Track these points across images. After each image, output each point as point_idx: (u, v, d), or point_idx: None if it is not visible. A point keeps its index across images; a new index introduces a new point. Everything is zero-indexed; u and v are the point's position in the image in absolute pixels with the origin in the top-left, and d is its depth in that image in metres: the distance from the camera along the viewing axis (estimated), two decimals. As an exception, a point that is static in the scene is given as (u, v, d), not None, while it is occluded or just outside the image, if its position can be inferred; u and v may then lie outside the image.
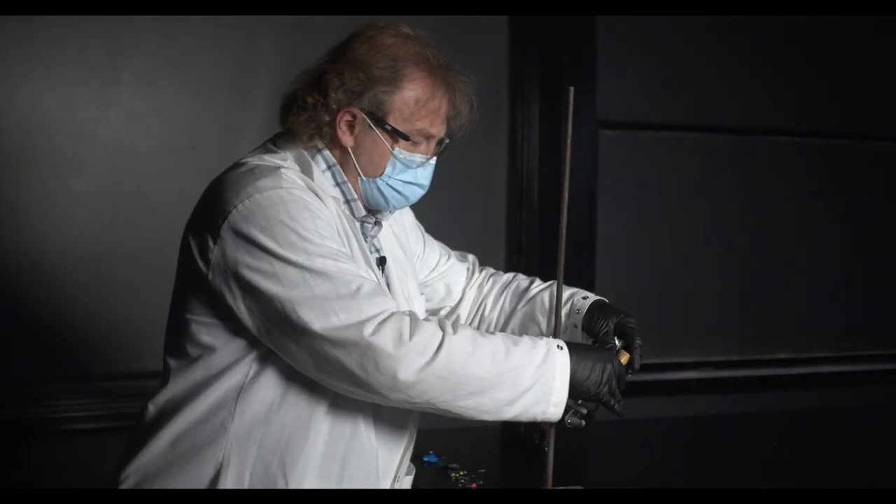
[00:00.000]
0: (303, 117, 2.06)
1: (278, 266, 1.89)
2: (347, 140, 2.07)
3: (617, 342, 2.19)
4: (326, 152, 2.09)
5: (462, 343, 1.88)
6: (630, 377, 2.15)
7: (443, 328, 1.90)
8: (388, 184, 2.10)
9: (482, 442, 2.99)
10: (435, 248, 2.50)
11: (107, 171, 3.70)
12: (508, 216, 4.36)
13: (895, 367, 5.01)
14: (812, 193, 4.83)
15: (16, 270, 3.62)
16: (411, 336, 1.86)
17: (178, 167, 3.72)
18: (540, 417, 1.97)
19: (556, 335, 2.17)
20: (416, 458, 2.69)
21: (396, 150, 2.07)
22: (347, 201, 2.11)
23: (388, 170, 2.08)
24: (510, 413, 1.94)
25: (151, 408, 2.08)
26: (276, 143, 2.13)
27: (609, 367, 2.00)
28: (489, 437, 3.01)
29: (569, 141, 2.20)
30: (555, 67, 4.26)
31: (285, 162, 2.06)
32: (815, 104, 4.77)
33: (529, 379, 1.92)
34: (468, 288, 2.51)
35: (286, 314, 1.88)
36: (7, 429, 3.53)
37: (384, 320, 1.86)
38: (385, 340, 1.84)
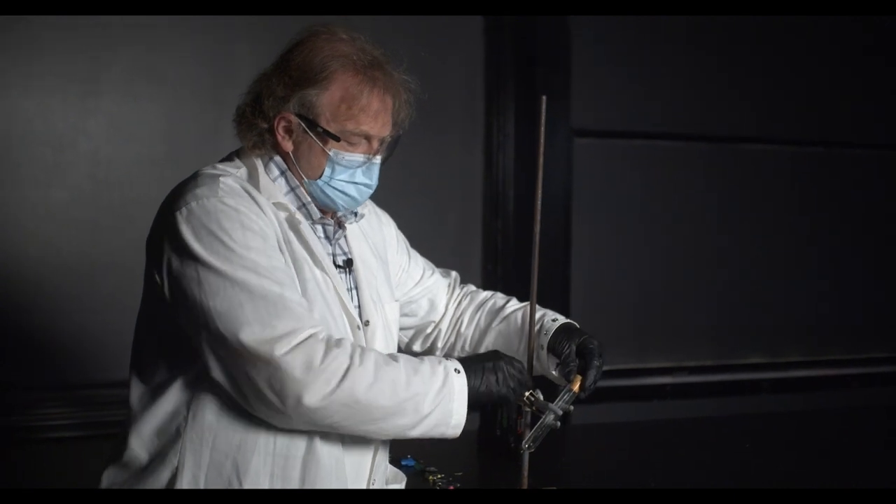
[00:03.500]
0: (244, 127, 2.11)
1: (202, 273, 1.93)
2: (287, 145, 2.10)
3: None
4: (278, 159, 2.12)
5: (366, 373, 1.92)
6: (584, 395, 2.21)
7: (351, 356, 1.93)
8: (329, 185, 2.11)
9: (459, 445, 3.00)
10: (419, 263, 2.53)
11: (86, 180, 3.72)
12: (484, 224, 4.40)
13: (867, 372, 5.06)
14: (786, 200, 4.89)
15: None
16: (321, 362, 1.89)
17: (158, 176, 3.74)
18: (439, 437, 2.05)
19: (529, 353, 2.24)
20: (394, 462, 2.72)
21: (333, 152, 2.08)
22: (303, 205, 2.12)
23: (326, 171, 2.09)
24: (411, 435, 2.01)
25: (125, 416, 2.12)
26: (238, 153, 2.17)
27: (501, 370, 2.06)
28: (465, 441, 3.03)
29: (541, 149, 2.24)
30: (530, 77, 4.31)
31: (237, 171, 2.09)
32: (787, 112, 4.83)
33: (429, 405, 1.98)
34: (449, 303, 2.54)
35: (206, 322, 1.92)
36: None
37: (298, 343, 1.89)
38: (294, 364, 1.88)
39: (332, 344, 1.92)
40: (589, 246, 4.49)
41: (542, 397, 2.28)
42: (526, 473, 2.39)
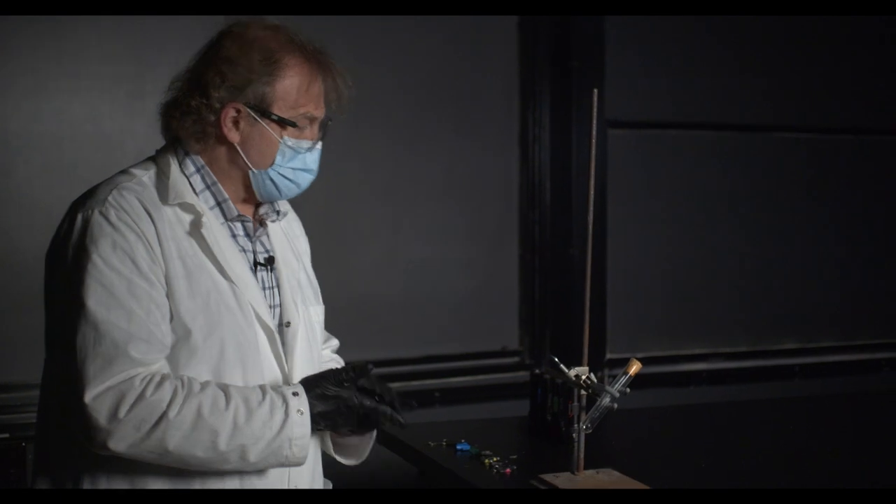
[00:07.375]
0: (188, 122, 2.07)
1: (69, 287, 1.95)
2: (234, 136, 2.07)
3: None
4: (195, 156, 2.10)
5: (181, 424, 1.89)
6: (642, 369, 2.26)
7: (169, 403, 1.89)
8: (279, 173, 2.10)
9: (512, 429, 3.10)
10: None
11: (134, 179, 3.79)
12: (521, 215, 4.47)
13: (896, 356, 5.13)
14: (817, 187, 4.95)
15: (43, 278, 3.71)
16: (129, 411, 1.86)
17: (203, 174, 3.80)
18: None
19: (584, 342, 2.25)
20: (450, 447, 2.81)
21: (285, 139, 2.09)
22: (218, 203, 2.11)
23: (277, 159, 2.09)
24: (246, 470, 1.99)
25: None
26: (157, 152, 2.16)
27: (348, 400, 2.03)
28: (519, 425, 3.12)
29: (594, 142, 2.31)
30: (564, 70, 4.39)
31: (146, 174, 2.08)
32: (819, 101, 4.89)
33: (257, 455, 1.94)
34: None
35: (51, 344, 2.00)
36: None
37: (110, 387, 1.87)
38: (100, 410, 1.86)
39: (150, 388, 1.89)
40: (624, 235, 4.56)
41: (596, 380, 2.36)
42: (581, 455, 2.47)
